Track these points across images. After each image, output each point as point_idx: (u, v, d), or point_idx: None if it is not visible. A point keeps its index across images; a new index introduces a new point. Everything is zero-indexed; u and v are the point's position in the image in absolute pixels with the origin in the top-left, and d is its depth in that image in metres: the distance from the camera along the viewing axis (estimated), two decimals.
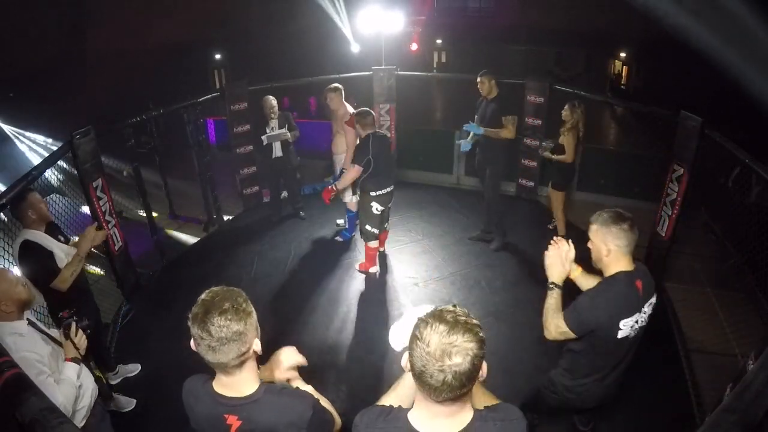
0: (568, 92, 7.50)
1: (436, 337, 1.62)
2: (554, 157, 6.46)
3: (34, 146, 11.63)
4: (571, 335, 2.90)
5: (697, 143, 5.24)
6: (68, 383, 2.81)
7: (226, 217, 8.01)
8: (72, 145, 5.03)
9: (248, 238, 7.31)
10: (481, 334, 1.65)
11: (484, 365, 1.66)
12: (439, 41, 25.60)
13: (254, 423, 1.92)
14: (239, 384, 1.94)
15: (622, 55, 22.73)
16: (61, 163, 5.39)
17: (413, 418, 1.79)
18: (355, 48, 10.18)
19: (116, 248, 5.67)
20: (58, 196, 5.85)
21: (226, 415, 1.92)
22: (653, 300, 2.95)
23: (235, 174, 8.02)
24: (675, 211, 5.60)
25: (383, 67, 8.46)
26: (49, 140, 11.01)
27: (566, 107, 6.41)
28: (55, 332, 3.05)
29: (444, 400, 1.64)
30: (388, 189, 5.81)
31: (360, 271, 6.39)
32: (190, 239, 7.61)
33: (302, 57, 17.80)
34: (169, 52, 16.52)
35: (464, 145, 6.73)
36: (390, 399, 2.03)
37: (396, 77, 8.43)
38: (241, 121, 7.70)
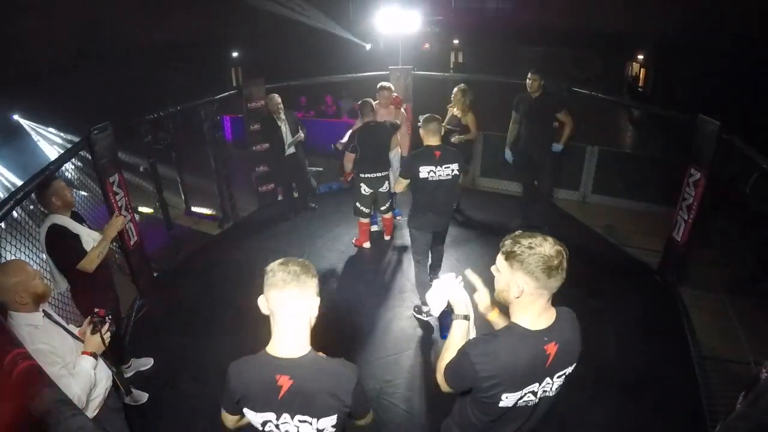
0: (584, 94, 7.47)
1: (546, 244, 2.09)
2: (465, 137, 6.91)
3: (52, 141, 11.74)
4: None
5: (715, 148, 5.19)
6: (84, 375, 2.84)
7: (241, 214, 8.05)
8: (89, 141, 5.07)
9: (263, 234, 7.34)
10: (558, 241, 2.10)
11: None
12: (456, 41, 25.55)
13: (304, 384, 2.07)
14: (293, 345, 2.15)
15: (640, 57, 22.55)
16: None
17: (522, 323, 2.13)
18: (367, 47, 10.19)
19: (131, 243, 5.71)
20: (75, 191, 5.91)
21: (278, 376, 2.08)
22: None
23: (251, 171, 8.05)
24: (691, 216, 5.55)
25: (400, 66, 8.46)
26: (68, 136, 11.11)
27: (458, 92, 6.94)
28: (73, 327, 3.09)
29: (552, 292, 2.11)
30: (377, 174, 6.28)
31: (355, 246, 6.94)
32: (205, 235, 7.65)
33: (319, 56, 17.85)
34: (187, 49, 16.64)
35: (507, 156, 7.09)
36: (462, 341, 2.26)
37: (413, 77, 8.43)
38: (258, 119, 7.72)
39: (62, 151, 5.79)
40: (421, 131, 4.98)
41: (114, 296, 4.64)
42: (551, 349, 2.14)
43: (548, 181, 7.03)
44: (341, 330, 5.39)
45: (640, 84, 23.06)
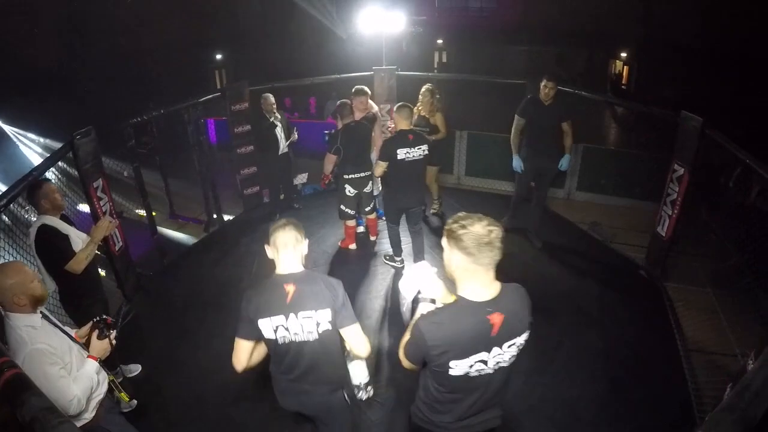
0: (568, 92, 7.51)
1: (478, 224, 2.28)
2: (434, 137, 6.84)
3: (35, 147, 11.64)
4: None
5: (698, 143, 5.24)
6: (86, 378, 2.88)
7: (226, 217, 8.01)
8: (73, 146, 5.04)
9: (249, 238, 7.31)
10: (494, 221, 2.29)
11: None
12: (440, 41, 25.60)
13: (304, 287, 2.79)
14: (293, 265, 2.84)
15: (623, 55, 22.73)
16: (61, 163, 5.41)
17: (466, 296, 2.36)
18: (352, 44, 10.18)
19: (117, 248, 5.67)
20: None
21: (285, 285, 2.77)
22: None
23: (236, 174, 8.02)
24: (675, 211, 5.60)
25: (384, 67, 8.46)
26: (49, 140, 11.03)
27: (426, 92, 6.93)
28: (68, 329, 3.09)
29: (489, 266, 2.32)
30: (360, 174, 6.24)
31: (341, 248, 6.91)
32: (191, 239, 7.61)
33: (303, 57, 17.83)
34: (170, 53, 16.55)
35: (516, 163, 6.69)
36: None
37: (397, 77, 8.43)
38: (242, 122, 7.70)
39: (45, 157, 5.75)
40: (395, 117, 5.61)
41: (102, 298, 4.63)
42: (495, 319, 2.31)
43: (548, 187, 6.96)
44: None
45: (624, 82, 23.25)
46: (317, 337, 2.83)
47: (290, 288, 2.77)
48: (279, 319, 2.76)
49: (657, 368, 4.83)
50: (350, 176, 6.21)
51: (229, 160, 8.17)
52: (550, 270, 6.38)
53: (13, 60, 12.93)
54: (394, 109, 5.74)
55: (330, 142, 6.24)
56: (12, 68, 12.75)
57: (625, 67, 23.23)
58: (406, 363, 2.53)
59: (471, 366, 2.33)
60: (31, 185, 4.11)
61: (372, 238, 7.03)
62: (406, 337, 2.48)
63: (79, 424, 2.90)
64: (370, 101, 6.79)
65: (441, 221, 7.53)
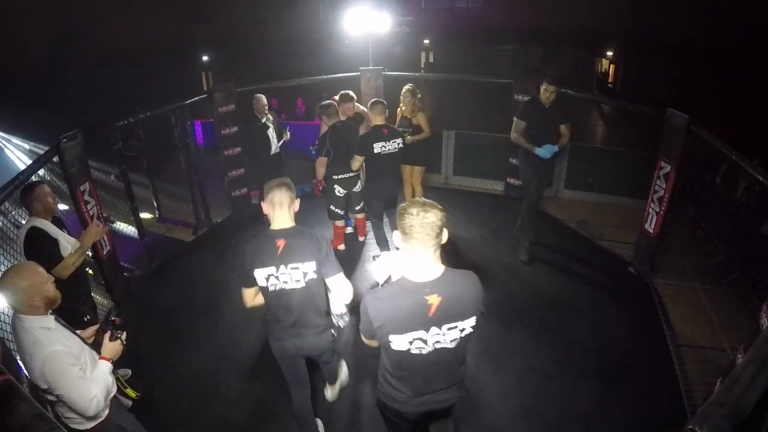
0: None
1: (420, 211, 2.40)
2: (417, 137, 6.80)
3: (20, 151, 11.52)
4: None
5: (684, 140, 5.27)
6: (102, 378, 2.91)
7: (215, 220, 7.97)
8: (59, 149, 5.00)
9: (237, 240, 7.27)
10: (440, 207, 2.47)
11: (445, 231, 2.47)
12: (426, 41, 25.66)
13: (293, 241, 3.23)
14: (285, 222, 3.27)
15: (609, 53, 22.88)
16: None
17: (408, 276, 2.51)
18: (338, 45, 10.14)
19: (105, 252, 5.63)
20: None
21: (277, 240, 3.22)
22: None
23: (223, 176, 7.98)
24: (663, 208, 5.63)
25: (370, 67, 8.46)
26: (33, 144, 10.93)
27: (407, 93, 6.82)
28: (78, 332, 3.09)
29: (429, 249, 2.43)
30: (350, 174, 6.21)
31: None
32: (179, 242, 7.57)
33: (289, 58, 17.79)
34: (156, 55, 16.47)
35: (552, 150, 5.93)
36: None
37: (384, 77, 8.43)
38: (229, 123, 7.67)
39: (30, 161, 5.70)
40: (369, 113, 5.95)
41: (91, 304, 4.61)
42: (433, 300, 2.45)
43: (543, 190, 6.79)
44: None
45: (610, 80, 23.39)
46: (304, 285, 3.29)
47: (281, 242, 3.21)
48: (270, 270, 3.23)
49: (647, 364, 4.85)
50: (339, 176, 6.18)
51: (216, 162, 8.13)
52: (539, 268, 6.40)
53: None
54: (368, 105, 6.08)
55: (319, 145, 6.22)
56: None
57: (611, 65, 23.38)
58: (364, 338, 2.78)
59: (410, 342, 2.51)
60: (25, 186, 4.11)
61: (360, 239, 7.02)
62: (360, 326, 2.69)
63: (96, 422, 2.97)
64: (356, 103, 6.78)
65: None
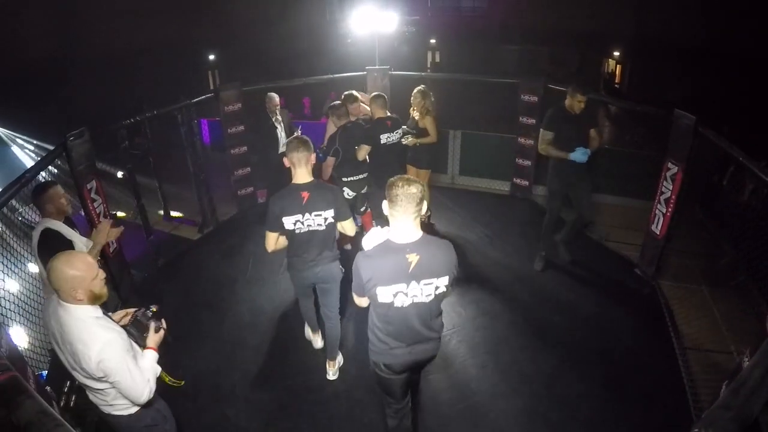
0: (561, 91, 7.52)
1: (404, 184, 2.90)
2: (420, 141, 6.68)
3: (28, 149, 11.56)
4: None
5: (691, 141, 5.25)
6: (151, 366, 2.98)
7: (220, 219, 7.99)
8: (66, 147, 5.01)
9: (243, 239, 7.29)
10: (421, 183, 2.97)
11: (425, 203, 2.97)
12: (432, 41, 25.63)
13: (316, 192, 3.96)
14: (305, 177, 4.00)
15: (616, 53, 22.79)
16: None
17: (392, 239, 3.01)
18: (345, 44, 10.13)
19: (111, 250, 5.64)
20: None
21: (302, 192, 3.95)
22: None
23: (230, 175, 8.00)
24: (669, 210, 5.61)
25: (377, 66, 8.46)
26: (38, 142, 10.98)
27: (417, 94, 6.66)
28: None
29: (410, 216, 2.92)
30: (359, 176, 6.21)
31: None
32: (185, 241, 7.58)
33: (296, 57, 17.80)
34: (163, 53, 16.49)
35: (586, 153, 5.66)
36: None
37: (390, 77, 8.42)
38: (235, 122, 7.68)
39: (38, 159, 5.72)
40: (371, 107, 6.22)
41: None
42: (412, 258, 2.93)
43: (586, 200, 6.07)
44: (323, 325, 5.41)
45: (617, 80, 23.31)
46: (324, 227, 4.09)
47: (305, 194, 3.94)
48: (297, 217, 3.98)
49: (652, 366, 4.84)
50: (349, 179, 6.13)
51: (223, 160, 8.15)
52: (545, 269, 6.39)
53: (5, 61, 12.87)
54: (370, 99, 6.35)
55: (327, 146, 6.12)
56: (4, 69, 12.70)
57: (618, 65, 23.29)
58: (355, 299, 3.28)
59: (394, 295, 2.98)
60: (37, 187, 4.09)
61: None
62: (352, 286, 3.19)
63: (142, 407, 3.05)
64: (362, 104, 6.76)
65: (439, 228, 7.53)
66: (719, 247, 6.53)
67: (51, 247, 3.83)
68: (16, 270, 4.31)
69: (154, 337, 3.08)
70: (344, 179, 6.14)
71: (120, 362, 2.70)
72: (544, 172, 8.21)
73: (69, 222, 4.23)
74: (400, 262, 2.94)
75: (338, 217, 4.10)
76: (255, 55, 19.29)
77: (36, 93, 12.79)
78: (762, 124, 10.70)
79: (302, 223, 4.01)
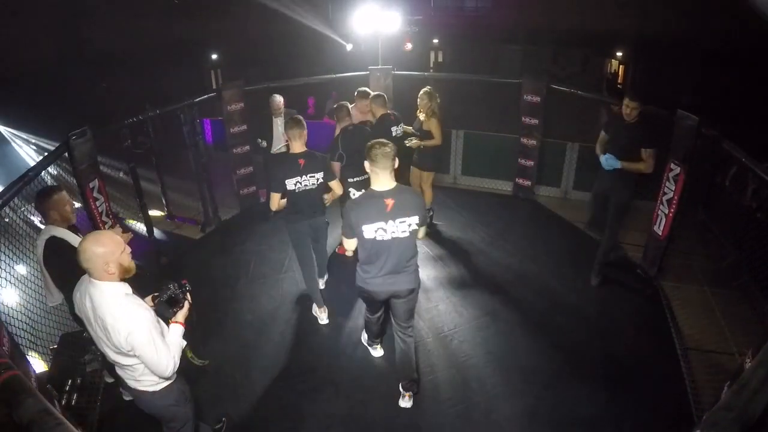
0: (564, 92, 7.53)
1: (379, 145, 3.73)
2: (425, 143, 6.66)
3: (30, 148, 11.58)
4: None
5: (694, 142, 5.24)
6: (177, 342, 3.08)
7: (223, 218, 7.99)
8: (68, 146, 5.01)
9: (245, 238, 7.30)
10: (392, 144, 3.80)
11: (396, 159, 3.77)
12: (435, 41, 25.58)
13: (308, 159, 4.96)
14: (300, 147, 4.93)
15: (619, 54, 22.74)
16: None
17: (373, 188, 3.84)
18: (348, 47, 10.11)
19: None
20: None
21: (299, 160, 4.90)
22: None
23: (232, 174, 8.00)
24: (672, 210, 5.60)
25: (380, 66, 8.46)
26: (37, 140, 11.01)
27: (423, 95, 6.60)
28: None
29: (386, 170, 3.73)
30: (366, 177, 6.04)
31: (338, 253, 6.80)
32: (188, 240, 7.59)
33: (299, 57, 17.80)
34: (165, 52, 16.50)
35: (609, 161, 5.49)
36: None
37: (393, 77, 8.42)
38: (238, 122, 7.69)
39: (41, 157, 5.73)
40: (372, 106, 6.47)
41: None
42: (389, 201, 3.73)
43: (613, 221, 5.84)
44: (329, 325, 5.54)
45: (619, 81, 23.25)
46: (316, 186, 5.05)
47: (301, 161, 4.91)
48: (296, 179, 4.92)
49: (654, 367, 4.84)
50: (355, 179, 6.08)
51: (225, 160, 8.15)
52: (547, 270, 6.39)
53: (7, 60, 12.89)
54: (369, 100, 6.54)
55: (331, 150, 6.06)
56: (6, 69, 12.71)
57: (621, 66, 23.24)
58: (346, 244, 4.06)
59: (376, 231, 3.76)
60: (41, 191, 4.01)
61: None
62: (342, 228, 4.01)
63: (167, 383, 3.18)
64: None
65: (441, 228, 7.52)
66: (721, 248, 6.51)
67: (58, 255, 3.84)
68: (19, 269, 4.31)
69: (183, 312, 3.18)
70: (349, 180, 6.11)
71: (147, 336, 2.82)
72: (546, 173, 8.23)
73: (73, 229, 4.14)
74: (379, 205, 3.73)
75: (326, 179, 5.12)
76: (258, 54, 19.29)
77: (38, 92, 12.80)
78: (766, 125, 10.67)
79: (299, 183, 4.96)
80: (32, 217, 5.43)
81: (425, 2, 24.04)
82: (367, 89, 6.76)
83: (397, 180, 3.88)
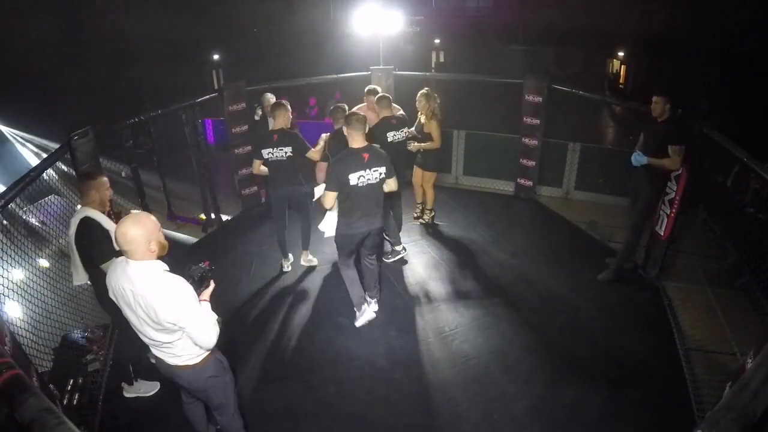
0: (566, 92, 7.53)
1: (355, 112, 5.11)
2: (424, 146, 6.68)
3: (32, 148, 11.61)
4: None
5: (696, 142, 5.23)
6: (213, 315, 3.17)
7: (224, 218, 8.00)
8: (70, 146, 5.02)
9: (247, 238, 7.30)
10: (363, 115, 4.89)
11: (367, 124, 4.78)
12: (437, 41, 25.62)
13: (284, 136, 5.75)
14: (279, 126, 5.77)
15: (620, 54, 22.75)
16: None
17: (351, 146, 4.73)
18: (349, 44, 10.12)
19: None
20: (56, 197, 5.85)
21: (274, 136, 5.74)
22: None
23: (234, 174, 8.01)
24: (673, 210, 5.60)
25: (381, 66, 8.46)
26: (36, 140, 11.03)
27: (421, 97, 6.62)
28: None
29: (360, 131, 4.70)
30: None
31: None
32: (189, 240, 7.59)
33: (300, 57, 17.81)
34: (167, 53, 16.52)
35: (636, 158, 5.53)
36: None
37: (394, 77, 8.43)
38: (239, 122, 7.70)
39: (38, 157, 5.73)
40: (377, 108, 6.39)
41: None
42: (365, 155, 4.70)
43: (637, 216, 5.82)
44: (330, 325, 5.52)
45: (621, 81, 23.26)
46: (291, 156, 5.76)
47: (276, 137, 5.66)
48: (270, 150, 5.70)
49: (656, 367, 4.83)
50: None
51: (227, 160, 8.16)
52: (548, 270, 6.38)
53: (10, 61, 12.92)
54: (374, 101, 6.46)
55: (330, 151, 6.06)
56: (9, 70, 12.74)
57: (622, 66, 23.25)
58: (328, 197, 4.82)
59: (358, 178, 4.68)
60: (85, 172, 4.23)
61: None
62: (325, 182, 4.82)
63: (206, 355, 3.28)
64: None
65: (443, 228, 7.52)
66: (723, 248, 6.51)
67: (89, 236, 3.93)
68: (20, 268, 4.31)
69: (209, 290, 3.27)
70: None
71: (195, 308, 2.96)
72: (548, 173, 8.22)
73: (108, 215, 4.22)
74: (358, 158, 4.69)
75: (301, 150, 5.81)
76: (259, 54, 19.32)
77: (40, 92, 12.83)
78: None
79: (273, 153, 5.73)
80: (32, 219, 5.45)
81: (426, 2, 24.05)
82: (377, 88, 6.79)
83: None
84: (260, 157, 5.76)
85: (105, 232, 3.96)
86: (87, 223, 3.94)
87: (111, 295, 3.06)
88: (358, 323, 5.39)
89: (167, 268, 3.01)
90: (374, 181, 4.77)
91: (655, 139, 5.40)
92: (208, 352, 3.28)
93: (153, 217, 2.99)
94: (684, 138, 5.28)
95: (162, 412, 4.47)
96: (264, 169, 5.87)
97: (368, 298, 5.49)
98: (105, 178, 4.19)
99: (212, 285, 3.30)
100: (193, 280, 3.16)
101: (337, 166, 4.71)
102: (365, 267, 5.44)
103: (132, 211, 4.08)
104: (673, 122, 5.35)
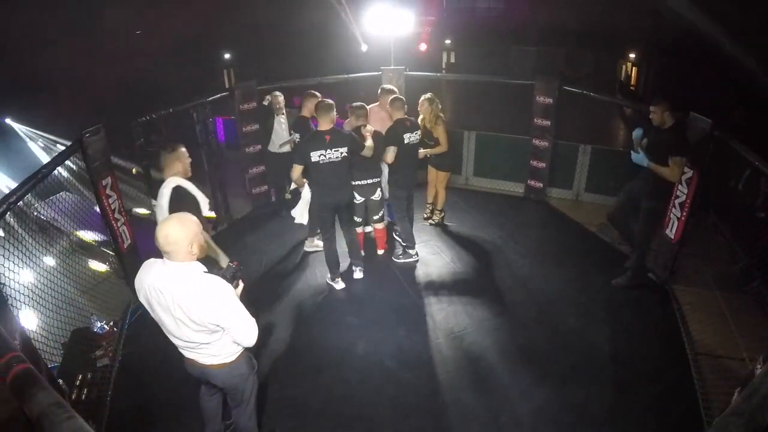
0: (577, 93, 7.51)
1: (323, 102, 5.52)
2: (431, 151, 6.77)
3: (44, 145, 11.67)
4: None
5: (707, 145, 5.20)
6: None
7: (234, 216, 8.02)
8: (82, 144, 5.06)
9: (257, 237, 7.33)
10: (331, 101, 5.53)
11: (334, 113, 5.43)
12: (448, 41, 25.59)
13: (333, 136, 5.40)
14: (329, 124, 5.43)
15: (632, 56, 22.64)
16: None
17: (318, 128, 5.41)
18: (364, 47, 10.12)
19: (125, 246, 5.69)
20: (67, 193, 5.88)
21: (326, 136, 5.36)
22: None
23: (244, 173, 8.04)
24: (684, 214, 5.57)
25: (392, 67, 8.46)
26: (48, 138, 11.10)
27: (424, 102, 6.59)
28: None
29: (327, 116, 5.35)
30: (366, 181, 6.13)
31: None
32: None
33: (311, 56, 17.83)
34: (179, 52, 16.59)
35: (638, 157, 5.48)
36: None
37: (405, 77, 8.42)
38: (250, 121, 7.73)
39: (55, 155, 5.78)
40: (389, 109, 6.30)
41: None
42: (327, 136, 5.29)
43: (642, 225, 5.78)
44: (339, 324, 5.53)
45: (632, 83, 23.15)
46: (346, 156, 5.47)
47: (327, 136, 5.36)
48: (321, 152, 5.36)
49: (664, 371, 4.80)
50: (357, 183, 6.02)
51: (237, 159, 8.19)
52: (557, 272, 6.37)
53: (23, 59, 13.00)
54: (387, 102, 6.32)
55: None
56: (22, 67, 12.82)
57: (634, 68, 23.14)
58: (295, 169, 5.46)
59: (319, 156, 5.30)
60: (166, 147, 4.40)
61: (380, 252, 6.85)
62: (295, 164, 5.47)
63: (241, 351, 3.37)
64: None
65: (453, 229, 7.52)
66: (734, 252, 6.47)
67: (181, 203, 4.12)
68: (30, 264, 4.35)
69: (239, 289, 3.32)
70: (353, 183, 5.99)
71: (236, 305, 3.03)
72: (558, 175, 8.20)
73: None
74: (321, 138, 5.30)
75: (357, 149, 5.59)
76: (271, 53, 19.35)
77: (53, 90, 12.90)
78: None
79: (326, 156, 5.44)
80: (42, 216, 5.48)
81: (438, 3, 24.02)
82: (393, 88, 6.80)
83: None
84: (306, 161, 5.37)
85: (193, 198, 4.28)
86: (179, 191, 4.22)
87: (141, 298, 3.07)
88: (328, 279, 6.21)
89: (206, 270, 3.02)
90: (335, 160, 5.37)
91: (658, 147, 5.35)
92: (242, 350, 3.35)
93: (196, 219, 3.00)
94: (687, 148, 5.22)
95: (171, 407, 4.48)
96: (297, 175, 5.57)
97: (354, 267, 6.32)
98: (183, 148, 4.46)
99: (242, 284, 3.36)
100: (227, 279, 3.18)
101: (303, 144, 5.64)
102: (346, 238, 6.18)
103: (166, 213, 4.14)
104: (676, 131, 5.30)
